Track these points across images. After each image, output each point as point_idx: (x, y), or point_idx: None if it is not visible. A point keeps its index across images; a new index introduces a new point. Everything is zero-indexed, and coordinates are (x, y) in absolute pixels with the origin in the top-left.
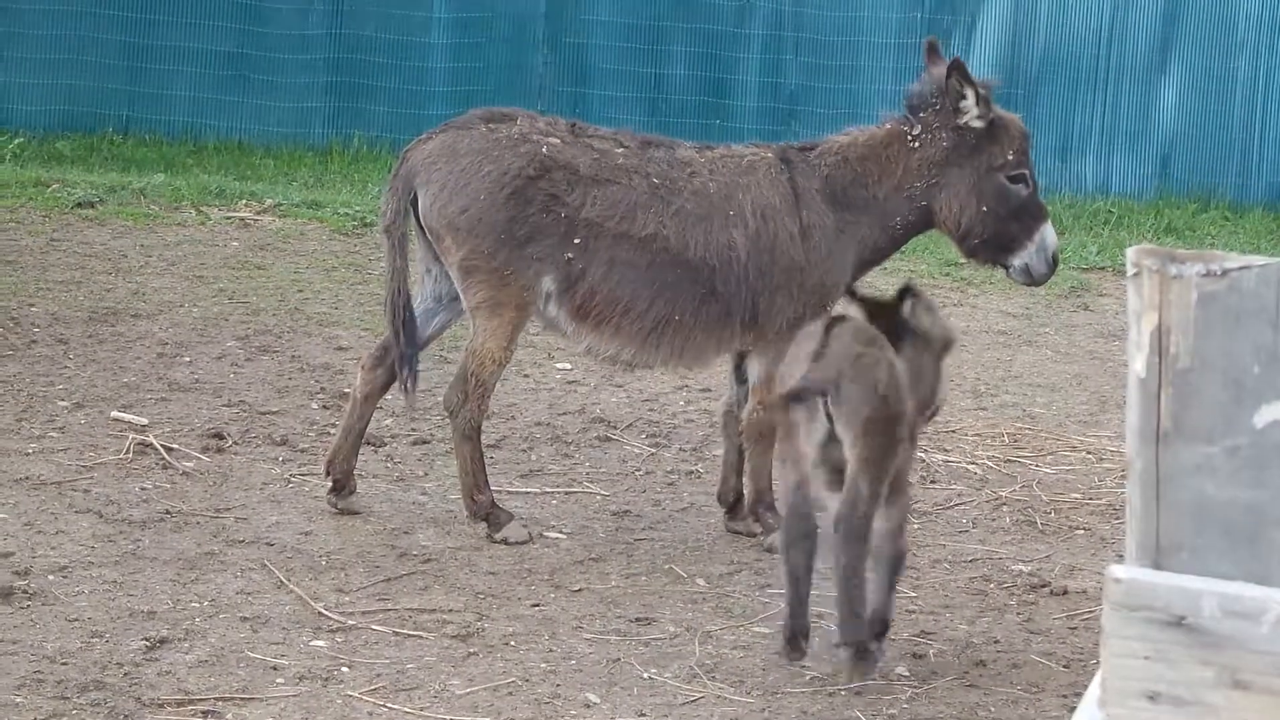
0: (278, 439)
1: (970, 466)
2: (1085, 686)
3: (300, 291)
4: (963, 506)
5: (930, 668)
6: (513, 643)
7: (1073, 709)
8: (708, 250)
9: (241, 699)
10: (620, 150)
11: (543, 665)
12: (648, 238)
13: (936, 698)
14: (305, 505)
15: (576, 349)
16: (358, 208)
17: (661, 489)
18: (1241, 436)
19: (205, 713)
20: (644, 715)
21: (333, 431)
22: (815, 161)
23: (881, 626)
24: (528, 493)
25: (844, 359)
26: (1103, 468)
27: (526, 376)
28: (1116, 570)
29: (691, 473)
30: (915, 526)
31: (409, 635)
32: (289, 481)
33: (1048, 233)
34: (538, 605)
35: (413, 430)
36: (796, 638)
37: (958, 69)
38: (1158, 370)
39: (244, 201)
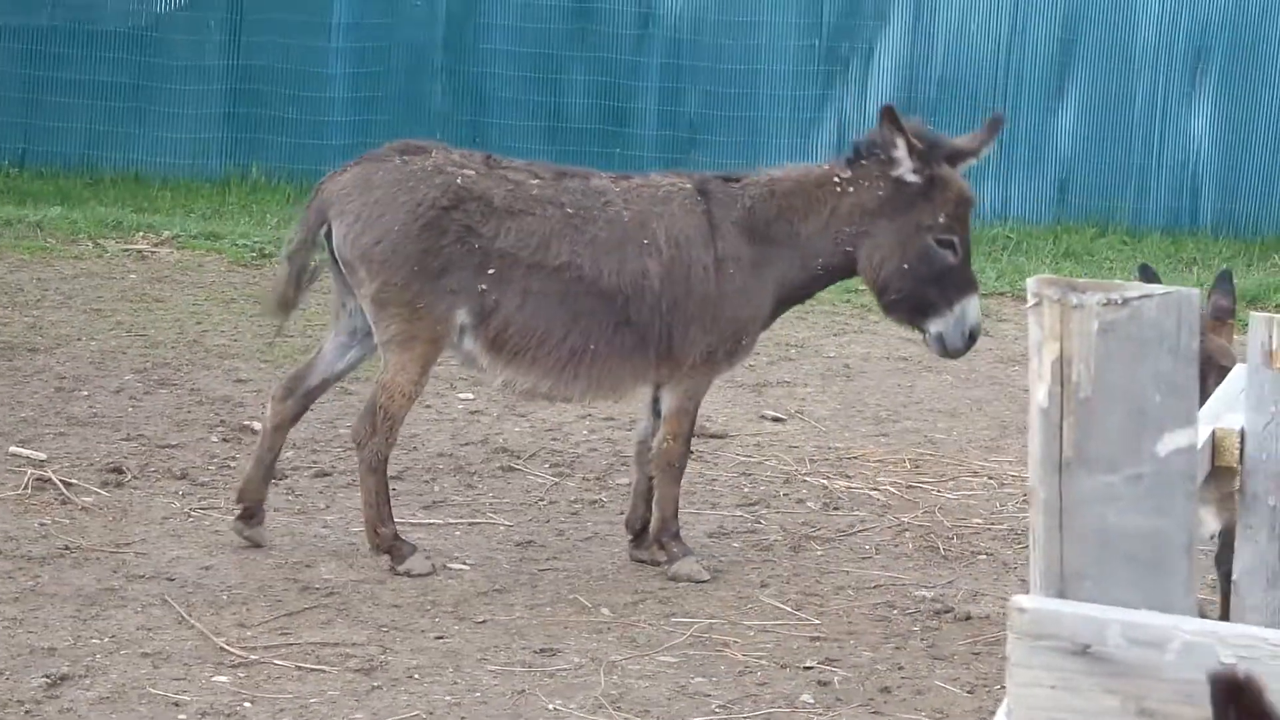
0: (177, 473)
1: (872, 493)
2: (990, 713)
3: (199, 324)
4: (865, 532)
5: (835, 695)
6: (416, 676)
7: None
8: (621, 279)
9: None
10: (535, 181)
11: (447, 698)
12: (561, 266)
13: None
14: (206, 539)
15: (493, 383)
16: (256, 239)
17: (565, 519)
18: (1144, 465)
19: None
20: None
21: (233, 465)
22: (738, 193)
23: None
24: (431, 524)
25: None
26: (1004, 493)
27: (429, 407)
28: (1021, 600)
29: (595, 502)
30: (818, 553)
31: (312, 670)
32: (189, 515)
33: (970, 306)
34: (441, 638)
35: (314, 463)
36: None
37: (888, 115)
38: (1059, 400)
39: (141, 234)
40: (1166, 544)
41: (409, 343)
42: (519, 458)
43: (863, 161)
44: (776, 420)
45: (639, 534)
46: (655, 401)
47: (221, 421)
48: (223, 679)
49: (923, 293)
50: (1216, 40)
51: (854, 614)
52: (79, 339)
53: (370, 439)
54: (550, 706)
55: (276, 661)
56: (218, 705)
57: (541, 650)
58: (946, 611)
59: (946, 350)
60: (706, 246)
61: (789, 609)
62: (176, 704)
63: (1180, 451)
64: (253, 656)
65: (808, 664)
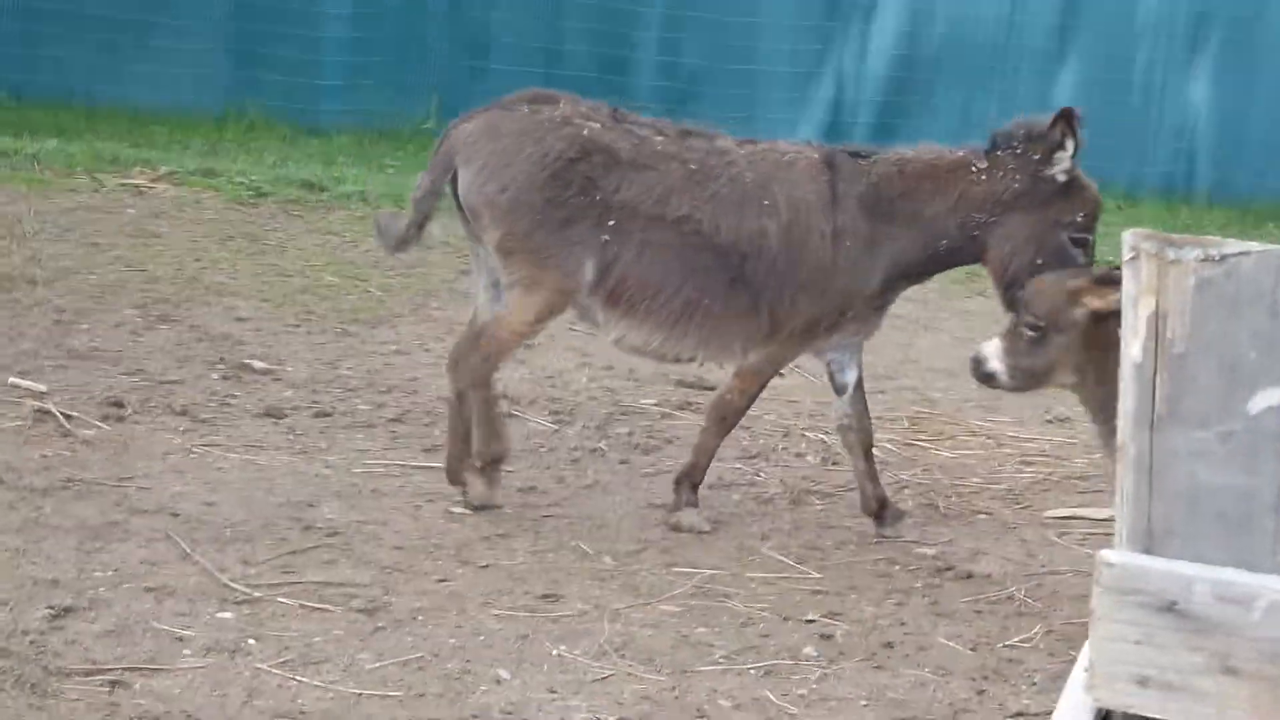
0: (178, 409)
1: None
2: (992, 670)
3: (197, 260)
4: None
5: (838, 648)
6: (420, 618)
7: (981, 692)
8: (739, 236)
9: (149, 670)
10: (659, 138)
11: (451, 641)
12: (680, 220)
13: (845, 678)
14: (208, 476)
15: (608, 338)
16: (254, 177)
17: (566, 466)
18: (1236, 422)
19: (113, 683)
20: (555, 692)
21: (233, 402)
22: (866, 168)
23: None
24: (432, 468)
25: None
26: (1002, 453)
27: (428, 351)
28: (1109, 554)
29: (595, 450)
30: (818, 508)
31: (316, 609)
32: (190, 452)
33: None
34: (445, 580)
35: (314, 403)
36: None
37: (1068, 117)
38: (1153, 355)
39: (138, 169)
40: (1256, 502)
41: (533, 287)
42: (518, 404)
43: (999, 153)
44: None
45: (878, 514)
46: (832, 376)
47: (221, 359)
48: (227, 615)
49: None
50: (1218, 9)
51: (856, 569)
52: (78, 272)
53: (468, 357)
54: (554, 652)
55: (280, 599)
56: (222, 641)
57: (545, 596)
58: (948, 569)
59: None
60: (826, 216)
61: (791, 562)
62: (180, 639)
63: (1273, 409)
64: (256, 594)
65: (810, 617)
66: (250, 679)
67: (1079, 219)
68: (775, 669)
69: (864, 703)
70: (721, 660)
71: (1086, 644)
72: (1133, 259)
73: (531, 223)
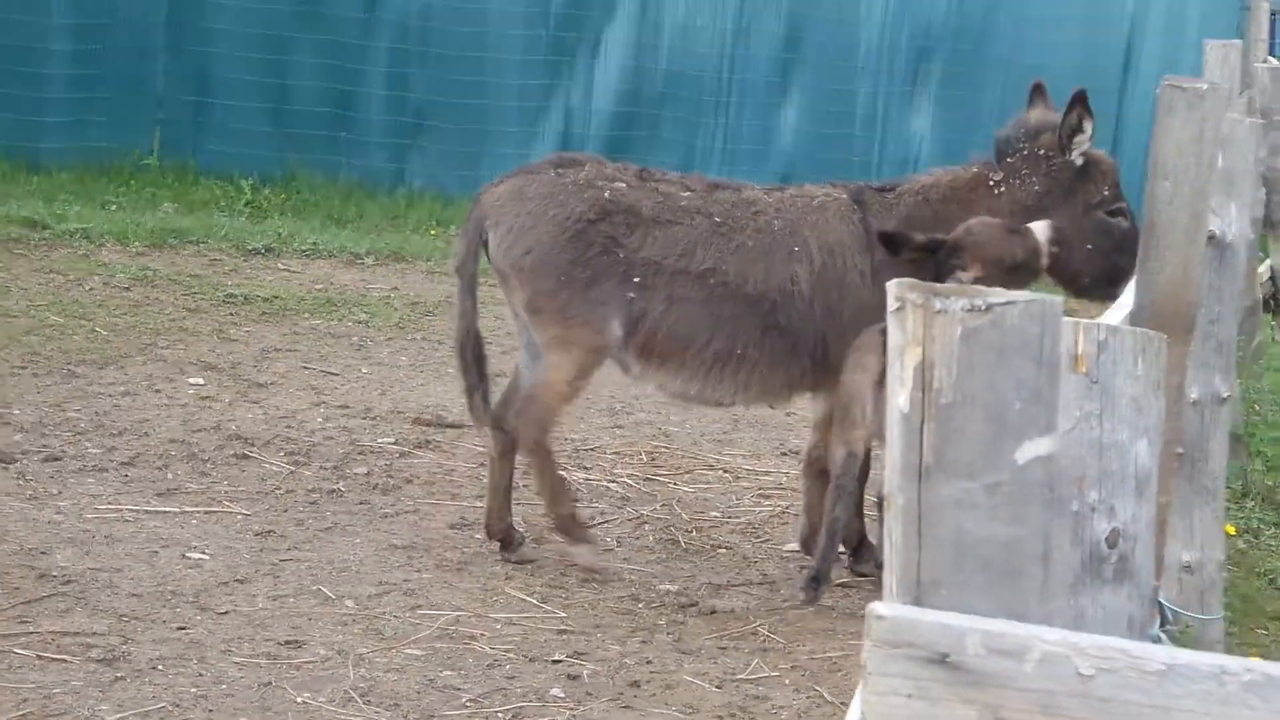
0: None
1: (611, 485)
2: (739, 707)
3: None
4: (606, 525)
5: (585, 689)
6: (160, 667)
7: None
8: (768, 284)
9: None
10: (686, 193)
11: (193, 690)
12: (705, 272)
13: (593, 719)
14: None
15: (646, 387)
16: None
17: (304, 508)
18: (1003, 473)
19: None
20: None
21: None
22: (893, 202)
23: None
24: (167, 512)
25: None
26: (739, 486)
27: (158, 392)
28: (879, 607)
29: (333, 491)
30: (561, 545)
31: (53, 659)
32: None
33: None
34: (184, 628)
35: (44, 447)
36: None
37: (1081, 101)
38: (921, 405)
39: None
40: (1022, 552)
41: (566, 346)
42: (253, 445)
43: (1009, 159)
44: None
45: (856, 549)
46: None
47: None
48: None
49: (1114, 265)
50: (939, 42)
51: (600, 607)
52: None
53: (524, 428)
54: (299, 699)
55: (17, 650)
56: None
57: (287, 642)
58: (691, 605)
59: None
60: (864, 255)
61: (535, 601)
62: None
63: (1039, 460)
64: None
65: (556, 657)
66: None
67: (1106, 193)
68: (523, 711)
69: None
70: (469, 704)
71: (856, 696)
72: (898, 309)
73: (556, 283)
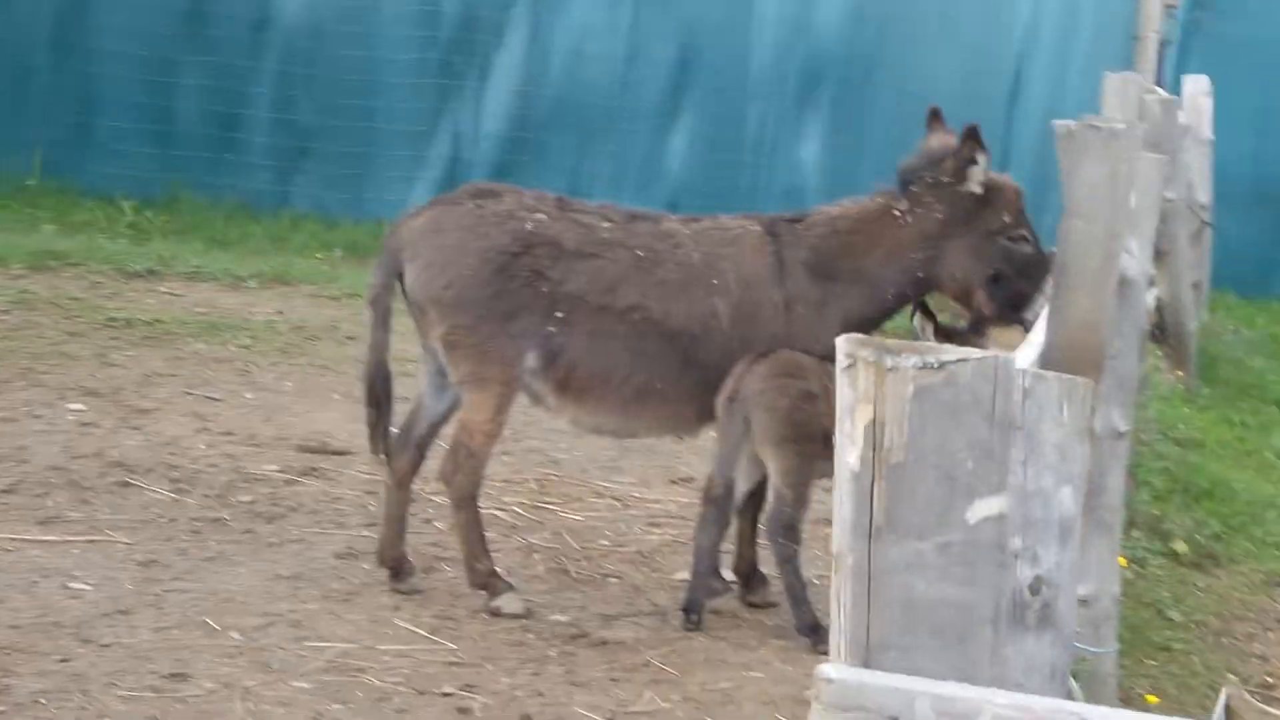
0: None
1: (499, 513)
2: None
3: None
4: (496, 554)
5: None
6: (43, 700)
7: None
8: (689, 319)
9: None
10: (606, 224)
11: None
12: (628, 309)
13: None
14: None
15: (560, 420)
16: None
17: (187, 537)
18: (954, 533)
19: None
20: None
21: None
22: (803, 233)
23: None
24: (47, 541)
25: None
26: (629, 514)
27: (38, 418)
28: (828, 669)
29: (218, 520)
30: (450, 574)
31: None
32: None
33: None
34: (66, 660)
35: None
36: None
37: (972, 135)
38: (871, 464)
39: None
40: (973, 614)
41: (482, 383)
42: (135, 472)
43: (913, 189)
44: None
45: (748, 578)
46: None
47: None
48: None
49: (1017, 289)
50: (828, 69)
51: (490, 638)
52: None
53: (454, 475)
54: None
55: None
56: None
57: (171, 675)
58: (582, 636)
59: None
60: (777, 286)
61: (424, 633)
62: None
63: (990, 520)
64: None
65: (446, 690)
66: None
67: (1006, 219)
68: None
69: None
70: None
71: None
72: (849, 366)
73: (476, 317)
